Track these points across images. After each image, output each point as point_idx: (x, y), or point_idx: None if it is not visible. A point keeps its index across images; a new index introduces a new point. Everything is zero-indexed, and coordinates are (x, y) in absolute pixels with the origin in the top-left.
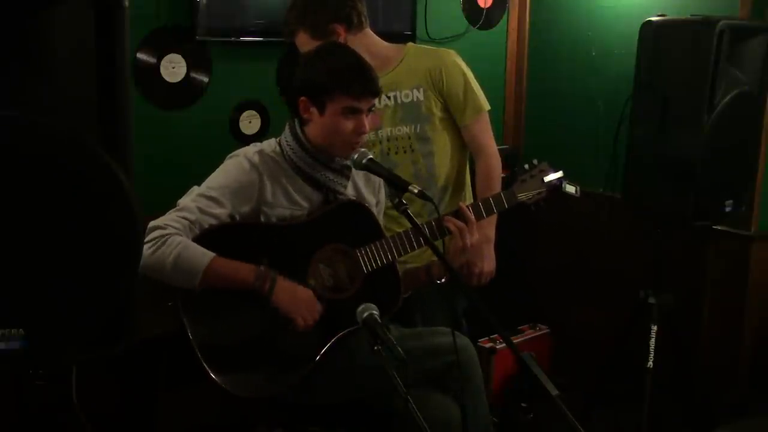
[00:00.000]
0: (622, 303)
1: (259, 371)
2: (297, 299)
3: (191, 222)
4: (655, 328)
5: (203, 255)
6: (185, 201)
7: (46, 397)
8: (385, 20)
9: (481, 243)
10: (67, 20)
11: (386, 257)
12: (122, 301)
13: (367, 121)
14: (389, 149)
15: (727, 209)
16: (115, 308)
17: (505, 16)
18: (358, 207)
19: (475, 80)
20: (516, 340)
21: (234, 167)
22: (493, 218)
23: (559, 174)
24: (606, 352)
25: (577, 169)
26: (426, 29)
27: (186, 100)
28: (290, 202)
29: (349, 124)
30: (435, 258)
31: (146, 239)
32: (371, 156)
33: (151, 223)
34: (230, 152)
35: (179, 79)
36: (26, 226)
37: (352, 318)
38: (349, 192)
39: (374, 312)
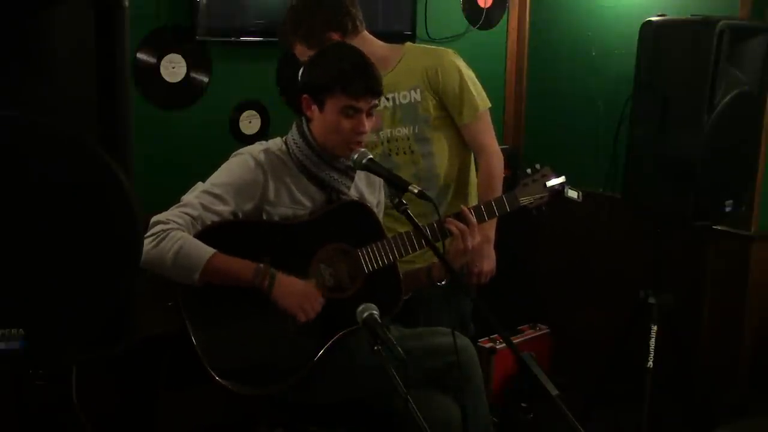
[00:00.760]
0: (622, 303)
1: (259, 370)
2: (297, 293)
3: (194, 218)
4: (655, 328)
5: (204, 250)
6: (189, 197)
7: (46, 397)
8: (385, 20)
9: (481, 243)
10: (67, 20)
11: (387, 258)
12: (122, 300)
13: (367, 122)
14: (390, 150)
15: (727, 209)
16: (115, 308)
17: (505, 16)
18: (360, 207)
19: (474, 79)
20: (516, 340)
21: (239, 165)
22: (494, 219)
23: (562, 179)
24: (606, 352)
25: (577, 169)
26: (426, 29)
27: (186, 100)
28: (293, 201)
29: (347, 124)
30: (436, 259)
31: (148, 233)
32: (371, 156)
33: (154, 218)
34: (230, 152)
35: (179, 79)
36: (26, 226)
37: (352, 318)
38: (352, 193)
39: (374, 312)
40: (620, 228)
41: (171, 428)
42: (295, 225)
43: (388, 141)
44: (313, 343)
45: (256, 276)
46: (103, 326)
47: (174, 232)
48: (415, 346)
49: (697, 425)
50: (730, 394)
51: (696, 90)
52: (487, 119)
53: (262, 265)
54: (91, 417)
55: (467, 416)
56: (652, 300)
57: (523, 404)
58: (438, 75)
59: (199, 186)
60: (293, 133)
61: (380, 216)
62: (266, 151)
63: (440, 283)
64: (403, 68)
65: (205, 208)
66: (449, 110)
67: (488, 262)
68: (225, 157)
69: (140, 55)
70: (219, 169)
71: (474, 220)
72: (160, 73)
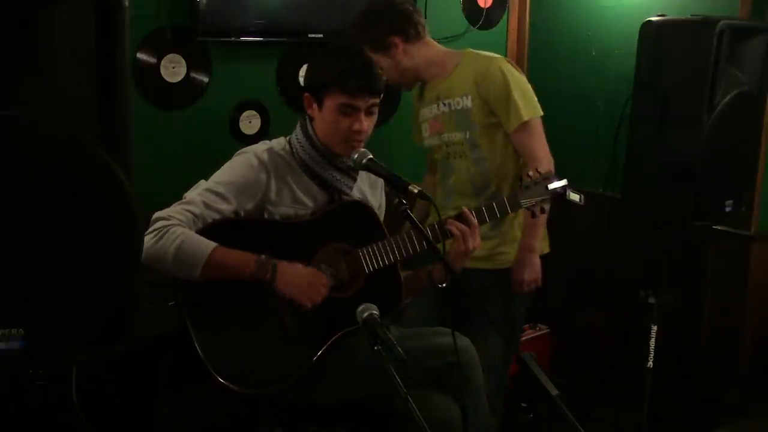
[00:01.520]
0: (622, 303)
1: (259, 370)
2: (300, 280)
3: (195, 216)
4: (655, 328)
5: (205, 245)
6: (192, 194)
7: (46, 397)
8: None
9: (522, 252)
10: (67, 20)
11: (388, 258)
12: (122, 300)
13: (367, 120)
14: (448, 154)
15: (727, 209)
16: (116, 308)
17: (505, 16)
18: (361, 207)
19: (523, 87)
20: None
21: (242, 164)
22: (538, 230)
23: (564, 182)
24: (606, 352)
25: (577, 169)
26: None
27: (186, 100)
28: (295, 201)
29: (345, 122)
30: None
31: (150, 229)
32: (371, 156)
33: (156, 214)
34: (230, 152)
35: (179, 79)
36: (26, 226)
37: (352, 318)
38: (355, 193)
39: (374, 312)
40: (620, 228)
41: (171, 428)
42: (296, 224)
43: (447, 145)
44: (313, 343)
45: (258, 268)
46: (103, 326)
47: (175, 228)
48: (415, 346)
49: (697, 425)
50: (730, 394)
51: (696, 90)
52: (534, 127)
53: (263, 257)
54: (91, 417)
55: (467, 416)
56: (652, 300)
57: (523, 404)
58: (485, 82)
59: (202, 183)
60: (297, 133)
61: (381, 218)
62: (270, 150)
63: (441, 285)
64: (458, 75)
65: (207, 206)
66: (498, 117)
67: (530, 271)
68: (225, 157)
69: (140, 55)
70: (222, 167)
71: (475, 221)
72: (160, 73)
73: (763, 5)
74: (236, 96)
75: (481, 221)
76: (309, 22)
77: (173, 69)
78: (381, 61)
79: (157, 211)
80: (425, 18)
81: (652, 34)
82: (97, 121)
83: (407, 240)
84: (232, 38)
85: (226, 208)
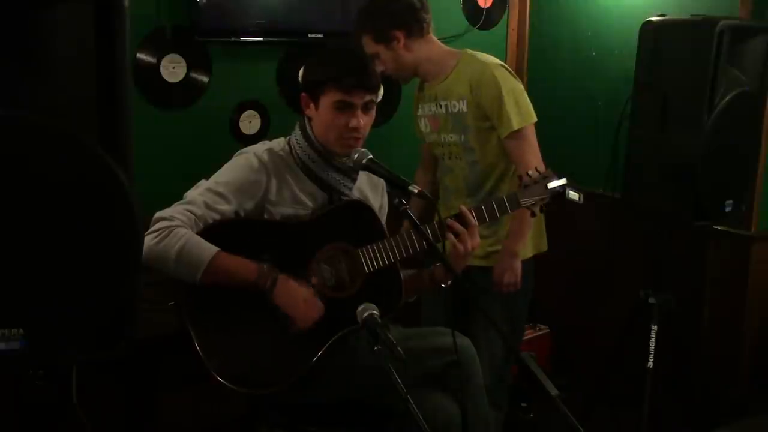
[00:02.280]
0: (622, 303)
1: (259, 370)
2: (297, 300)
3: (197, 216)
4: (655, 328)
5: (207, 248)
6: (193, 194)
7: (46, 397)
8: None
9: (505, 256)
10: (67, 20)
11: (388, 258)
12: (122, 300)
13: (364, 117)
14: (444, 154)
15: (727, 209)
16: (116, 308)
17: (505, 16)
18: (361, 207)
19: (518, 93)
20: None
21: (242, 164)
22: (523, 236)
23: (563, 181)
24: (606, 352)
25: (577, 169)
26: None
27: (186, 100)
28: (295, 201)
29: (341, 119)
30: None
31: (151, 229)
32: (371, 156)
33: (157, 214)
34: (230, 152)
35: (179, 79)
36: (26, 226)
37: (352, 317)
38: (354, 194)
39: (374, 312)
40: (620, 228)
41: (170, 428)
42: (296, 224)
43: (443, 145)
44: (313, 343)
45: (259, 277)
46: (103, 326)
47: (177, 229)
48: (415, 346)
49: (697, 425)
50: (730, 394)
51: (696, 90)
52: (526, 135)
53: (265, 266)
54: (91, 417)
55: (467, 416)
56: (652, 300)
57: (523, 404)
58: (479, 88)
59: (203, 183)
60: (296, 134)
61: (383, 217)
62: (269, 150)
63: (443, 285)
64: (455, 77)
65: (208, 206)
66: (491, 122)
67: (509, 274)
68: (225, 157)
69: (140, 55)
70: (223, 167)
71: (474, 221)
72: (160, 73)
73: (763, 5)
74: (236, 96)
75: (481, 221)
76: (309, 22)
77: (173, 69)
78: (381, 52)
79: (157, 211)
80: None
81: (652, 34)
82: (97, 121)
83: (407, 240)
84: (232, 38)
85: (227, 208)
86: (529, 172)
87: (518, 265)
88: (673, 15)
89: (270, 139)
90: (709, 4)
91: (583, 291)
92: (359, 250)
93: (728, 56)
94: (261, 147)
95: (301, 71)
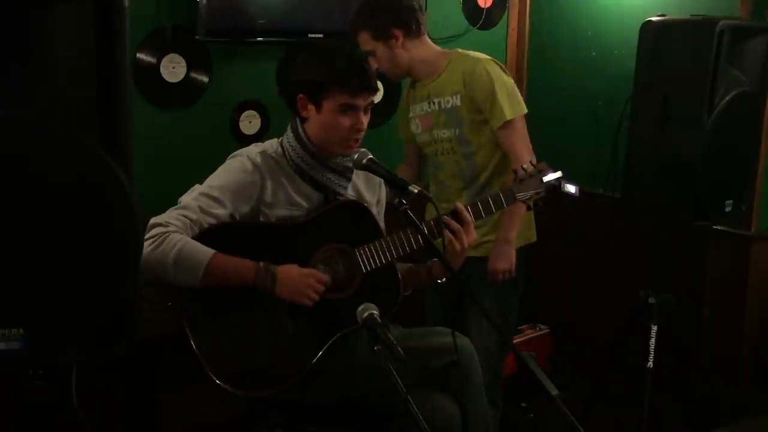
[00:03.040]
0: (622, 303)
1: (259, 372)
2: (299, 282)
3: (192, 221)
4: (655, 328)
5: (204, 252)
6: (187, 199)
7: (46, 397)
8: None
9: (499, 243)
10: (67, 20)
11: (385, 257)
12: (122, 301)
13: (365, 119)
14: (436, 151)
15: (727, 209)
16: (115, 308)
17: (505, 16)
18: (357, 206)
19: (509, 87)
20: (516, 340)
21: (236, 167)
22: (515, 223)
23: (558, 174)
24: (606, 352)
25: (577, 169)
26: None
27: (186, 100)
28: (290, 203)
29: (346, 121)
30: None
31: (147, 236)
32: (371, 156)
33: (152, 220)
34: (230, 152)
35: (179, 79)
36: (26, 226)
37: (351, 318)
38: (350, 193)
39: (374, 312)
40: (620, 228)
41: (170, 428)
42: (292, 226)
43: (435, 142)
44: (312, 344)
45: (257, 277)
46: (103, 326)
47: (173, 235)
48: (415, 346)
49: (697, 425)
50: (730, 394)
51: (696, 90)
52: (517, 125)
53: (261, 265)
54: (91, 417)
55: (467, 416)
56: (652, 300)
57: (523, 404)
58: (472, 82)
59: (197, 188)
60: (288, 136)
61: (380, 215)
62: (263, 153)
63: (440, 280)
64: (447, 75)
65: (203, 210)
66: (484, 114)
67: (503, 261)
68: (225, 157)
69: (140, 55)
70: (217, 171)
71: (470, 218)
72: (160, 73)
73: (763, 5)
74: (236, 96)
75: (477, 216)
76: (309, 22)
77: (173, 69)
78: (378, 49)
79: (156, 211)
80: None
81: (652, 34)
82: (97, 121)
83: (403, 238)
84: (232, 38)
85: (222, 212)
86: (524, 166)
87: (513, 252)
88: (673, 15)
89: (266, 141)
90: (709, 4)
91: (583, 291)
92: (356, 250)
93: (728, 56)
94: (254, 149)
95: (295, 71)
